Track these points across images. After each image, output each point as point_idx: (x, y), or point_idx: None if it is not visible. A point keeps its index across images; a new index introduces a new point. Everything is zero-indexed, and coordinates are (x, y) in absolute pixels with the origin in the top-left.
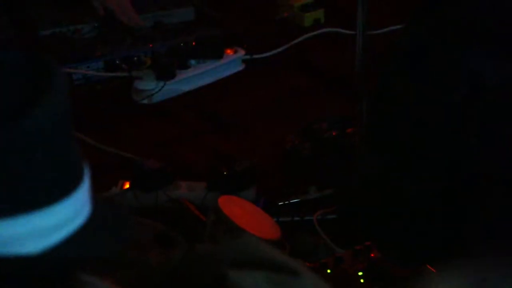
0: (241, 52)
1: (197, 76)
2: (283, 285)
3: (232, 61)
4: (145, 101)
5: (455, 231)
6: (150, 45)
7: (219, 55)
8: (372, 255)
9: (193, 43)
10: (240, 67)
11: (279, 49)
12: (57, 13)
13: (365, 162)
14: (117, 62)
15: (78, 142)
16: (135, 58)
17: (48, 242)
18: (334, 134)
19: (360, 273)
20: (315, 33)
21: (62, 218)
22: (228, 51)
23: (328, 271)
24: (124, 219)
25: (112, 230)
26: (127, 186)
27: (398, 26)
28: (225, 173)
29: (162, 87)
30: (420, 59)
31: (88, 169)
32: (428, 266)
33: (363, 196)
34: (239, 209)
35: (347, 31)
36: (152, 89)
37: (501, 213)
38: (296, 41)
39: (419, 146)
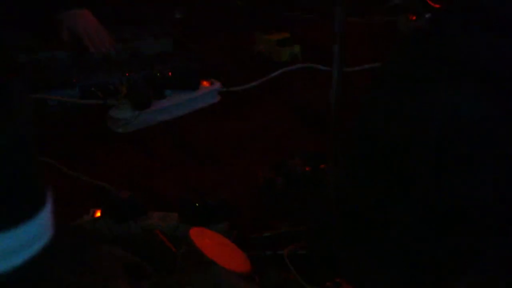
0: (217, 85)
1: (173, 106)
2: None
3: (208, 93)
4: (120, 130)
5: (435, 263)
6: (127, 74)
7: (195, 87)
8: None
9: (170, 73)
10: (216, 99)
11: (255, 83)
12: (33, 40)
13: (343, 187)
14: (93, 89)
15: (42, 167)
16: (111, 86)
17: (10, 263)
18: (307, 169)
19: None
20: (291, 68)
21: (25, 240)
22: (204, 83)
23: None
24: (86, 246)
25: (74, 255)
26: (98, 214)
27: (374, 64)
28: (197, 204)
29: (137, 116)
30: (398, 88)
31: (51, 193)
32: None
33: (337, 224)
34: (211, 242)
35: (324, 67)
36: (127, 118)
37: (483, 245)
38: (272, 75)
39: (396, 178)
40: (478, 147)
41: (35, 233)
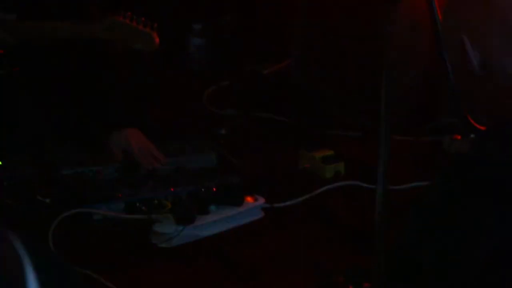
0: (261, 200)
1: (217, 222)
2: None
3: (252, 209)
4: (164, 245)
5: None
6: (171, 189)
7: (239, 202)
8: None
9: (214, 189)
10: (260, 215)
11: (299, 199)
12: (79, 154)
13: None
14: (138, 204)
15: None
16: (156, 201)
17: None
18: None
19: None
20: (335, 185)
21: None
22: (248, 198)
23: None
24: None
25: None
26: None
27: (419, 183)
28: None
29: (181, 231)
30: (445, 215)
31: None
32: None
33: None
34: None
35: (367, 185)
36: (171, 233)
37: None
38: (316, 192)
39: None
40: None
41: None
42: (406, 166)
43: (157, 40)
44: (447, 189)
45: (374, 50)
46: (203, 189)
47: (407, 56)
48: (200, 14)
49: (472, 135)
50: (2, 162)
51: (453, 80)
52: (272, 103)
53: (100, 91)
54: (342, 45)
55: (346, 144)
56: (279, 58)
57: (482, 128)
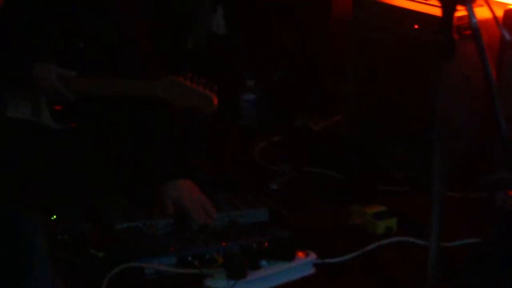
0: (313, 256)
1: (268, 277)
2: None
3: (303, 264)
4: None
5: None
6: (223, 244)
7: (291, 258)
8: None
9: (266, 244)
10: (311, 271)
11: (351, 255)
12: (132, 208)
13: None
14: (190, 258)
15: None
16: (208, 256)
17: None
18: None
19: None
20: (387, 241)
21: None
22: (300, 253)
23: None
24: None
25: None
26: None
27: (471, 240)
28: None
29: (233, 286)
30: (497, 269)
31: None
32: None
33: None
34: None
35: (420, 241)
36: (223, 287)
37: None
38: (367, 248)
39: None
40: None
41: None
42: (458, 222)
43: (216, 102)
44: (501, 246)
45: (425, 105)
46: (254, 244)
47: (459, 110)
48: (252, 70)
49: None
50: (56, 216)
51: (507, 135)
52: (323, 158)
53: (153, 144)
54: (392, 100)
55: (399, 199)
56: (330, 114)
57: None
